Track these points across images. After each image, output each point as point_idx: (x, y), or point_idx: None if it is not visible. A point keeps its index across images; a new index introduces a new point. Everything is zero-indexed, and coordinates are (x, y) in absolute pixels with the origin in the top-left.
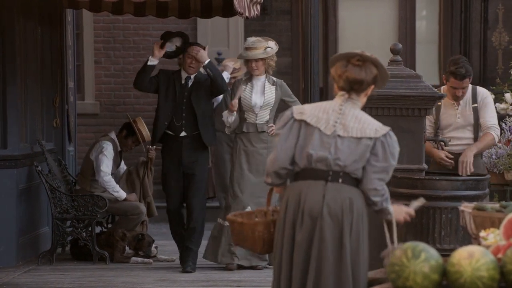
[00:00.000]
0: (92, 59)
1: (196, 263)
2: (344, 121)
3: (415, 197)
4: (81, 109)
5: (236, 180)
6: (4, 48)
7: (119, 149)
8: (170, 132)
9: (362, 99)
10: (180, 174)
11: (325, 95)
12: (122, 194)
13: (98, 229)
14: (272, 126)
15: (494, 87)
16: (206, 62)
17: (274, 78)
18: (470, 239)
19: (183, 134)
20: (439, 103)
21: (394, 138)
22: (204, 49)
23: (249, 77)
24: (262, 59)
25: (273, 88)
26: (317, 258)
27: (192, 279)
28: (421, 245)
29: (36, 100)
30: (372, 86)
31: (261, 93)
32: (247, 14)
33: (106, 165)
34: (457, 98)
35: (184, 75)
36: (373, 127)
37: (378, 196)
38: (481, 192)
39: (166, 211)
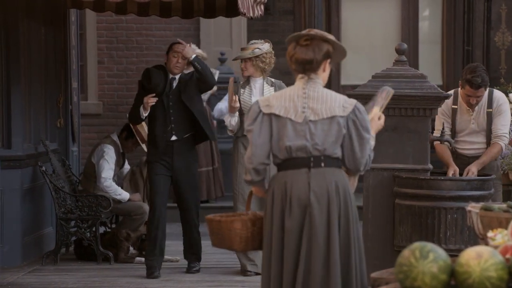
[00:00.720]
0: (95, 59)
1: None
2: (312, 105)
3: (420, 197)
4: (84, 109)
5: (240, 187)
6: (8, 48)
7: (121, 150)
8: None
9: (323, 76)
10: (168, 179)
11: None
12: (125, 195)
13: (101, 229)
14: None
15: (498, 87)
16: (193, 57)
17: (273, 79)
18: (475, 239)
19: (173, 138)
20: (455, 107)
21: (362, 109)
22: (189, 45)
23: (247, 79)
24: (249, 59)
25: (272, 89)
26: (307, 244)
27: (197, 279)
28: (429, 245)
29: (40, 100)
30: (327, 61)
31: (261, 95)
32: (251, 14)
33: (106, 170)
34: (471, 106)
35: (168, 75)
36: (340, 103)
37: (363, 168)
38: (486, 192)
39: (150, 214)
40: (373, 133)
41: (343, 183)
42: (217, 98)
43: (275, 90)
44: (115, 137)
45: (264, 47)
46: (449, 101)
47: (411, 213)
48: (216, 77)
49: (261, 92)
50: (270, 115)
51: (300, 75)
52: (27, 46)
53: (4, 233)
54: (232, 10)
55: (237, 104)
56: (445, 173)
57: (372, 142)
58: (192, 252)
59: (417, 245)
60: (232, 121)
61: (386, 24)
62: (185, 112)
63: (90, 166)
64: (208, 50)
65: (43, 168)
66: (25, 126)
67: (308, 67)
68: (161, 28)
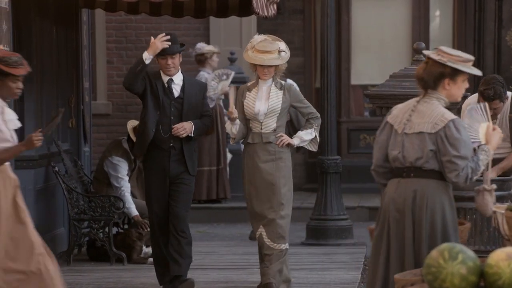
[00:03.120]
0: (104, 59)
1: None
2: (413, 118)
3: None
4: (93, 109)
5: (246, 191)
6: (21, 48)
7: (132, 157)
8: (156, 143)
9: (445, 92)
10: (166, 187)
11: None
12: (132, 211)
13: (114, 230)
14: (281, 136)
15: (510, 87)
16: (192, 134)
17: (282, 82)
18: (494, 240)
19: (170, 145)
20: None
21: (457, 126)
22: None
23: (255, 81)
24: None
25: (281, 92)
26: (386, 252)
27: (211, 280)
28: (458, 246)
29: (52, 101)
30: (444, 80)
31: (266, 99)
32: (265, 14)
33: (120, 182)
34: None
35: (165, 78)
36: (434, 120)
37: (459, 181)
38: (506, 193)
39: (150, 226)
40: (491, 147)
41: (425, 193)
42: (227, 97)
43: (284, 94)
44: (125, 144)
45: (284, 47)
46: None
47: None
48: (231, 78)
49: (266, 96)
50: (388, 123)
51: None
52: (39, 46)
53: None
54: (244, 10)
55: (235, 115)
56: None
57: (483, 157)
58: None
59: (445, 246)
60: (233, 129)
61: (396, 23)
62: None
63: (102, 171)
64: (218, 50)
65: (56, 169)
66: (38, 126)
67: (422, 84)
68: (170, 28)
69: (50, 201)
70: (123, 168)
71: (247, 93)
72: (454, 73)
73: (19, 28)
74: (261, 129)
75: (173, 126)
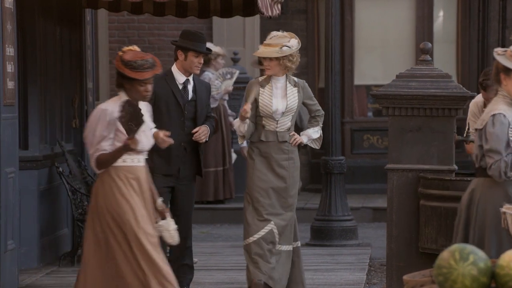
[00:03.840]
0: (106, 59)
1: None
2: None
3: (446, 198)
4: None
5: (252, 196)
6: (25, 48)
7: None
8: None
9: (503, 87)
10: (170, 191)
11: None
12: None
13: None
14: (294, 135)
15: None
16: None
17: (296, 79)
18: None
19: (183, 147)
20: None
21: (494, 122)
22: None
23: (267, 77)
24: (276, 58)
25: (295, 90)
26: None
27: (216, 281)
28: (469, 247)
29: (55, 101)
30: (500, 75)
31: (283, 97)
32: (269, 14)
33: None
34: None
35: (181, 78)
36: (484, 116)
37: (493, 174)
38: None
39: None
40: None
41: (479, 191)
42: (230, 98)
43: (299, 92)
44: None
45: (292, 43)
46: (480, 104)
47: (436, 214)
48: (234, 78)
49: (283, 94)
50: None
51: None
52: (43, 47)
53: (21, 235)
54: (249, 10)
55: (248, 115)
56: (471, 175)
57: None
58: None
59: (456, 246)
60: (241, 127)
61: (400, 23)
62: (195, 121)
63: None
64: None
65: (60, 169)
66: (42, 126)
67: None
68: (173, 28)
69: (54, 201)
70: None
71: (261, 89)
72: (506, 68)
73: (23, 29)
74: (276, 127)
75: (195, 131)
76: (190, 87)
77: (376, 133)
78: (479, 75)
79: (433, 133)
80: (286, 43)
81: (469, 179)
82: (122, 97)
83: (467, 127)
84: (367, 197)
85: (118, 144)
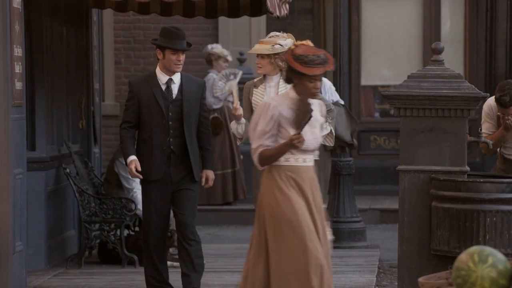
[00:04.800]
0: (112, 60)
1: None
2: None
3: (458, 200)
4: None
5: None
6: (32, 49)
7: None
8: (154, 150)
9: None
10: (167, 197)
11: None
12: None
13: (125, 232)
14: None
15: None
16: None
17: None
18: None
19: (171, 150)
20: (500, 114)
21: None
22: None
23: (262, 77)
24: (267, 56)
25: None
26: None
27: (224, 282)
28: (488, 249)
29: (62, 102)
30: None
31: (275, 94)
32: (277, 13)
33: (131, 184)
34: (507, 126)
35: (164, 78)
36: None
37: None
38: None
39: (144, 243)
40: None
41: None
42: (240, 99)
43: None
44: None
45: (286, 42)
46: (494, 107)
47: (448, 216)
48: (238, 78)
49: (275, 92)
50: None
51: None
52: (49, 47)
53: (28, 236)
54: (256, 9)
55: (239, 112)
56: (483, 176)
57: None
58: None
59: (475, 248)
60: (239, 128)
61: (407, 23)
62: (183, 124)
63: (112, 173)
64: (227, 50)
65: (67, 170)
66: (48, 127)
67: None
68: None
69: (60, 203)
70: None
71: (254, 89)
72: None
73: (30, 29)
74: None
75: (203, 182)
76: (175, 87)
77: (383, 134)
78: (487, 75)
79: (445, 134)
80: (280, 41)
81: (481, 180)
82: (290, 93)
83: (479, 128)
84: (374, 199)
85: (281, 141)
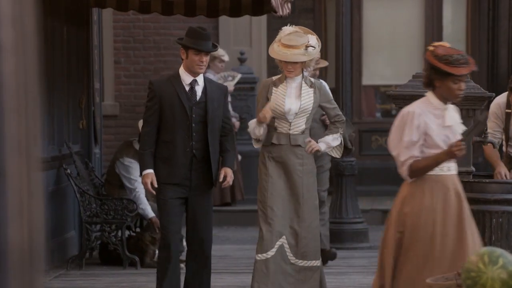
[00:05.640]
0: (111, 59)
1: None
2: None
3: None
4: None
5: (266, 205)
6: None
7: None
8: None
9: None
10: (183, 203)
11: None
12: (149, 213)
13: (126, 233)
14: (310, 141)
15: None
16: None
17: (312, 79)
18: None
19: (192, 154)
20: (508, 111)
21: None
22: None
23: (282, 76)
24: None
25: (311, 91)
26: None
27: (227, 284)
28: (498, 250)
29: (62, 102)
30: None
31: (297, 97)
32: (281, 13)
33: (133, 184)
34: None
35: (188, 79)
36: None
37: None
38: None
39: (163, 249)
40: None
41: None
42: (236, 98)
43: (315, 93)
44: (136, 145)
45: (313, 42)
46: (502, 105)
47: None
48: (236, 80)
49: (297, 94)
50: None
51: None
52: (50, 46)
53: None
54: (258, 9)
55: (268, 117)
56: (488, 176)
57: None
58: None
59: (485, 250)
60: (257, 130)
61: (409, 22)
62: (206, 127)
63: (113, 174)
64: (228, 50)
65: (68, 171)
66: (49, 127)
67: None
68: (179, 27)
69: (61, 203)
70: (135, 169)
71: (274, 88)
72: None
73: None
74: (289, 129)
75: (223, 183)
76: (198, 88)
77: (385, 134)
78: (489, 74)
79: None
80: (311, 43)
81: (487, 181)
82: (430, 97)
83: (507, 135)
84: (376, 199)
85: (427, 151)
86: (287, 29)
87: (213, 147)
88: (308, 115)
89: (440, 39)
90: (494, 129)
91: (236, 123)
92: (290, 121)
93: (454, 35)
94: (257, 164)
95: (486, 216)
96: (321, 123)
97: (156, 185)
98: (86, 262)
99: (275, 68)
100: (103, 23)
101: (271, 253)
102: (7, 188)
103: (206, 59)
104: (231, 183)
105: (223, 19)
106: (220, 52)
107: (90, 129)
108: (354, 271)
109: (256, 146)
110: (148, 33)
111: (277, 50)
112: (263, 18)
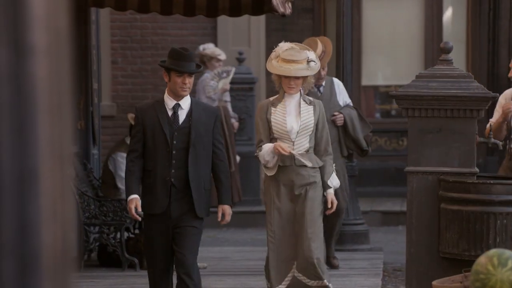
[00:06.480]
0: (108, 59)
1: None
2: None
3: (467, 201)
4: None
5: (274, 233)
6: None
7: None
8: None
9: None
10: (169, 232)
11: None
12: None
13: (125, 235)
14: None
15: None
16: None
17: (311, 98)
18: None
19: (171, 183)
20: None
21: None
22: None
23: (279, 96)
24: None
25: (310, 108)
26: None
27: (227, 286)
28: (508, 252)
29: None
30: None
31: (297, 115)
32: (282, 11)
33: None
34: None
35: (171, 103)
36: None
37: None
38: None
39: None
40: None
41: None
42: (235, 99)
43: (315, 110)
44: (128, 140)
45: (313, 56)
46: (508, 96)
47: (458, 218)
48: (231, 75)
49: (296, 111)
50: None
51: None
52: None
53: None
54: (258, 8)
55: (287, 153)
56: (493, 177)
57: None
58: None
59: (494, 251)
60: (270, 157)
61: (408, 23)
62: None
63: (108, 173)
64: (226, 49)
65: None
66: None
67: None
68: (176, 27)
69: None
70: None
71: (272, 108)
72: None
73: None
74: (293, 149)
75: (219, 217)
76: (182, 112)
77: (384, 134)
78: (489, 74)
79: (454, 134)
80: (312, 57)
81: (491, 182)
82: None
83: (488, 125)
84: (376, 201)
85: None
86: (284, 45)
87: (194, 175)
88: (310, 133)
89: (440, 39)
90: (496, 119)
91: (235, 123)
92: (293, 140)
93: (454, 35)
94: (255, 165)
95: (491, 217)
96: (332, 123)
97: (140, 210)
98: (84, 264)
99: None
100: (100, 23)
101: (282, 286)
102: (41, 189)
103: (189, 80)
104: (228, 220)
105: (222, 19)
106: (217, 51)
107: (88, 130)
108: (355, 273)
109: (270, 173)
110: (146, 33)
111: (277, 66)
112: (262, 18)
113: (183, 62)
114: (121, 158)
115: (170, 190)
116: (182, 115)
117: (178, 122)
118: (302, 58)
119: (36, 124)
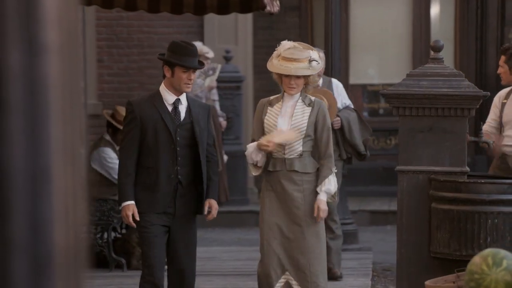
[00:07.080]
0: (94, 58)
1: None
2: None
3: (458, 201)
4: None
5: (267, 236)
6: None
7: (117, 148)
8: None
9: None
10: (166, 231)
11: None
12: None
13: (112, 235)
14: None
15: None
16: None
17: (312, 98)
18: None
19: (178, 180)
20: (504, 101)
21: None
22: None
23: (279, 95)
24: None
25: (308, 109)
26: None
27: (216, 286)
28: (502, 252)
29: None
30: None
31: (289, 116)
32: (271, 9)
33: (113, 166)
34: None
35: (171, 98)
36: None
37: None
38: None
39: (147, 284)
40: None
41: None
42: (222, 97)
43: (312, 111)
44: (107, 137)
45: (316, 56)
46: (502, 96)
47: (449, 217)
48: (217, 73)
49: (290, 113)
50: None
51: None
52: None
53: None
54: (246, 6)
55: (271, 150)
56: (484, 176)
57: None
58: None
59: (489, 251)
60: (255, 155)
61: (396, 21)
62: (192, 149)
63: (92, 171)
64: (213, 48)
65: None
66: None
67: None
68: (163, 25)
69: None
70: (110, 151)
71: (269, 108)
72: None
73: None
74: (284, 153)
75: (206, 211)
76: (182, 108)
77: (372, 133)
78: (477, 73)
79: (445, 133)
80: (314, 57)
81: (482, 181)
82: None
83: (482, 125)
84: (364, 200)
85: None
86: (286, 44)
87: (203, 171)
88: (303, 136)
89: (428, 37)
90: (491, 118)
91: (223, 122)
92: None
93: (442, 33)
94: (243, 164)
95: (482, 217)
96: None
97: (137, 218)
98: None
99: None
100: (86, 21)
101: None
102: (53, 189)
103: (194, 76)
104: (215, 215)
105: (209, 17)
106: (204, 49)
107: None
108: (345, 273)
109: (255, 173)
110: (132, 31)
111: (277, 65)
112: (249, 16)
113: (190, 58)
114: (102, 151)
115: (176, 187)
116: (182, 111)
117: (180, 118)
118: (303, 56)
119: (49, 123)
